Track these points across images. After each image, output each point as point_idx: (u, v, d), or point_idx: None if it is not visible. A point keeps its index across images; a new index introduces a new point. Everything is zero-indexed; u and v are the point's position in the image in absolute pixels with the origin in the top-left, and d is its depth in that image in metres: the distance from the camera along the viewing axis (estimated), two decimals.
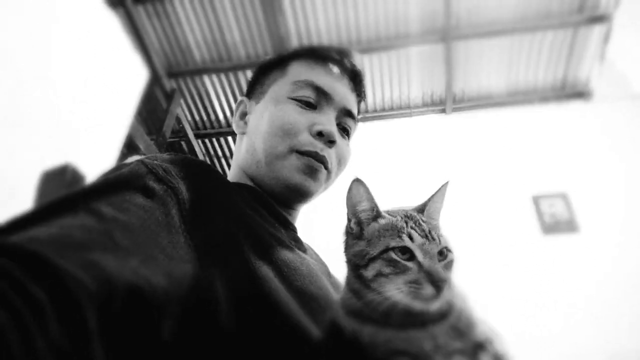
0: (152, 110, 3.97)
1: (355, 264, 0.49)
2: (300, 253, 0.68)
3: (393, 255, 0.46)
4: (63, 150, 2.00)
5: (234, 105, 1.29)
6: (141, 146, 3.02)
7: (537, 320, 2.93)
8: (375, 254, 0.47)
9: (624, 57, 3.68)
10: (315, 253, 0.82)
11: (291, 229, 0.76)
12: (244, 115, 0.85)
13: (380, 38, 3.76)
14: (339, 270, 0.55)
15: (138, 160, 0.55)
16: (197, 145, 4.38)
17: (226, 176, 0.74)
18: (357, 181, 0.51)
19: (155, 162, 0.56)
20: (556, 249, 3.24)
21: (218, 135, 4.40)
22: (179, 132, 4.21)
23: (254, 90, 0.85)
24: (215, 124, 4.36)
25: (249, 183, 0.76)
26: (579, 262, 3.15)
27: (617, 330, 2.84)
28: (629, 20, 3.50)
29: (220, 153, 4.57)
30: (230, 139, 4.44)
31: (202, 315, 0.45)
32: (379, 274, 0.46)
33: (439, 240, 0.48)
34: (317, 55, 0.81)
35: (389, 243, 0.47)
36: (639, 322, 2.85)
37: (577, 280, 3.07)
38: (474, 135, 3.94)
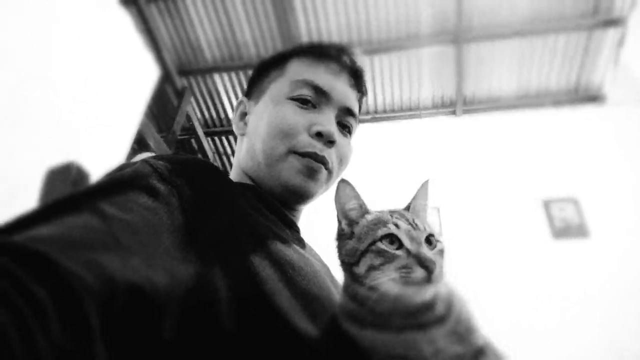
0: (162, 108, 4.01)
1: (349, 263, 0.50)
2: (304, 253, 0.68)
3: (381, 245, 0.47)
4: (64, 150, 2.00)
5: None
6: (151, 143, 3.03)
7: (547, 324, 2.91)
8: (364, 248, 0.48)
9: (639, 61, 3.62)
10: (317, 254, 0.81)
11: (295, 229, 0.76)
12: (243, 115, 0.84)
13: (391, 39, 3.74)
14: (339, 272, 0.55)
15: (142, 160, 0.55)
16: (207, 143, 4.41)
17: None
18: (343, 182, 0.54)
19: (160, 162, 0.56)
20: (566, 253, 3.21)
21: (227, 133, 4.43)
22: (189, 130, 4.24)
23: (253, 89, 0.83)
24: (224, 122, 4.39)
25: (251, 183, 0.76)
26: (589, 267, 3.12)
27: (627, 335, 2.81)
28: None
29: (229, 151, 4.59)
30: None
31: (203, 315, 0.45)
32: (371, 267, 0.47)
33: (425, 228, 0.49)
34: (316, 52, 0.79)
35: (376, 234, 0.48)
36: None
37: (587, 285, 3.04)
38: (484, 138, 3.90)
